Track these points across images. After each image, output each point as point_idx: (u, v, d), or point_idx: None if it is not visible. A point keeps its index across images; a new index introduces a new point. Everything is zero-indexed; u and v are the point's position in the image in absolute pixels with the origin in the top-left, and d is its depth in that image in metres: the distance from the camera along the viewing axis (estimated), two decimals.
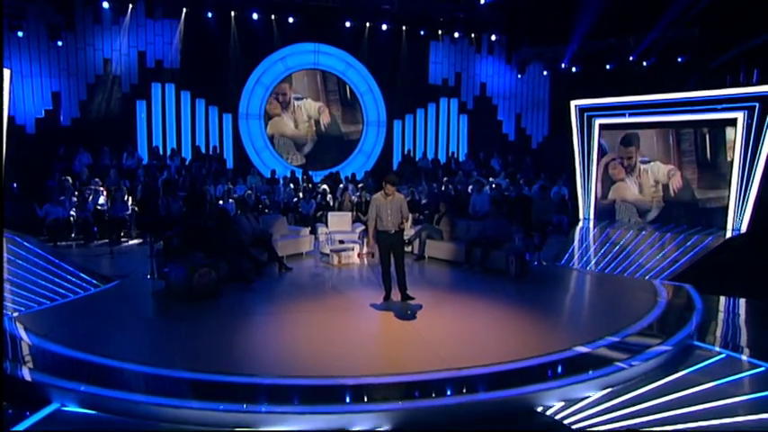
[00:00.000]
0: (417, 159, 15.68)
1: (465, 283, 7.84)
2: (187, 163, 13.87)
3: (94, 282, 7.51)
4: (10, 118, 11.97)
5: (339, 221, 10.36)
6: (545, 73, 16.20)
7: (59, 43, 13.48)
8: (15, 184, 12.07)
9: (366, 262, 9.02)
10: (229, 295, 6.86)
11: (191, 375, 4.43)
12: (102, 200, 11.20)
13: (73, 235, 10.85)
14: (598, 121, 13.78)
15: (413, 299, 6.56)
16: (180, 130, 14.51)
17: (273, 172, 13.83)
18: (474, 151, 16.22)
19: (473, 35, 16.04)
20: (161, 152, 14.07)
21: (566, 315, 6.48)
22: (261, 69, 14.79)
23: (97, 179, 11.86)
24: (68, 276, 7.50)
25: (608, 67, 14.40)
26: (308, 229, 9.98)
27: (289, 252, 9.14)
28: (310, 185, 13.01)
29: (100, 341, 5.22)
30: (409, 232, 9.85)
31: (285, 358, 4.86)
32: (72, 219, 10.69)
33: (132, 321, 5.95)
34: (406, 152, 15.81)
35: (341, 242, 9.35)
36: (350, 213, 10.72)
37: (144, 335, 5.60)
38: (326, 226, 10.27)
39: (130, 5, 13.85)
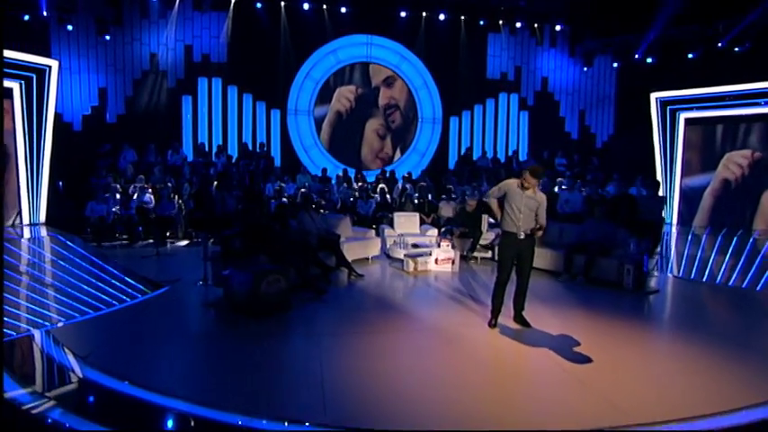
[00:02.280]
0: (475, 158, 14.27)
1: (572, 297, 6.42)
2: (233, 160, 12.86)
3: (141, 287, 6.42)
4: (57, 115, 11.31)
5: (406, 223, 9.08)
6: (615, 65, 14.57)
7: (107, 38, 12.76)
8: (61, 183, 11.32)
9: (451, 269, 7.65)
10: (299, 308, 5.64)
11: (261, 425, 3.18)
12: (147, 197, 10.26)
13: (117, 234, 9.92)
14: (684, 115, 12.11)
15: (528, 326, 5.17)
16: (226, 126, 13.57)
17: (325, 170, 12.68)
18: (536, 150, 14.71)
19: (536, 25, 14.55)
20: (206, 149, 13.10)
21: (745, 347, 4.97)
22: (311, 63, 13.74)
23: (142, 176, 11.02)
24: (114, 281, 6.44)
25: (690, 56, 12.72)
26: (372, 231, 8.71)
27: (354, 256, 7.90)
28: (368, 184, 11.77)
29: (147, 366, 4.06)
30: (488, 236, 8.48)
31: (390, 403, 3.56)
32: (116, 217, 9.73)
33: (185, 341, 4.79)
34: (464, 151, 14.42)
35: (414, 246, 8.04)
36: (417, 214, 9.42)
37: (200, 359, 4.41)
38: (392, 227, 8.99)
39: None
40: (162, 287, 6.35)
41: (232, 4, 13.19)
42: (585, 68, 14.89)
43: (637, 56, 13.54)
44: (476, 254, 8.53)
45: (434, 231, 9.04)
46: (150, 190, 10.57)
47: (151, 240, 9.76)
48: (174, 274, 7.07)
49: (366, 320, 5.43)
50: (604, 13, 13.49)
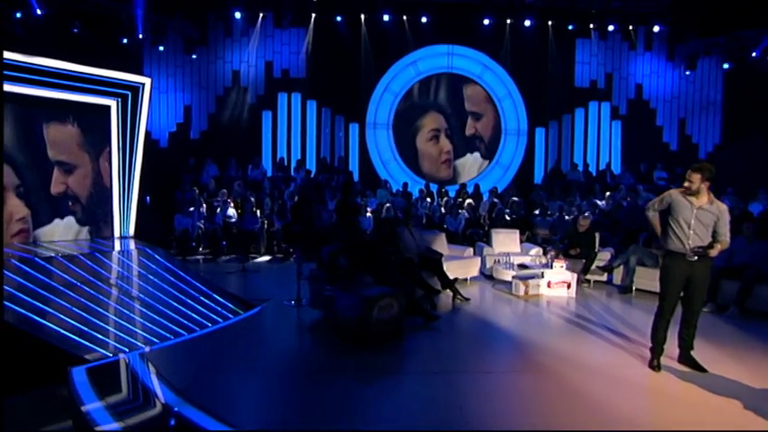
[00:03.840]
0: (565, 172, 13.08)
1: (740, 333, 5.21)
2: (312, 175, 12.48)
3: (231, 306, 5.90)
4: (146, 132, 11.51)
5: (506, 240, 8.14)
6: (726, 66, 12.96)
7: (194, 56, 12.91)
8: (148, 198, 11.41)
9: (567, 293, 6.63)
10: (410, 337, 4.84)
11: None
12: (230, 212, 10.01)
13: (200, 248, 9.69)
14: None
15: (702, 369, 4.09)
16: (305, 140, 13.26)
17: (406, 185, 12.00)
18: (631, 162, 13.30)
19: (630, 28, 13.27)
20: (285, 163, 12.84)
21: None
22: (390, 75, 13.22)
23: (224, 191, 10.83)
24: (203, 299, 5.94)
25: None
26: (470, 249, 7.84)
27: (452, 277, 7.01)
28: (452, 199, 10.93)
29: (249, 407, 3.37)
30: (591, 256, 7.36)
31: None
32: (200, 231, 9.50)
33: (285, 371, 4.11)
34: (554, 164, 13.26)
35: (522, 267, 7.08)
36: (516, 231, 8.46)
37: (305, 396, 3.68)
38: (490, 245, 8.08)
39: (261, 15, 12.92)
40: (254, 307, 5.79)
41: (312, 19, 12.98)
42: (688, 72, 13.37)
43: (755, 54, 11.91)
44: (588, 276, 7.43)
45: (538, 250, 8.03)
46: (232, 204, 10.37)
47: (233, 255, 9.46)
48: (263, 293, 6.53)
49: (494, 356, 4.55)
50: (713, 10, 12.01)
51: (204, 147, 12.76)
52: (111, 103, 9.97)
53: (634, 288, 6.88)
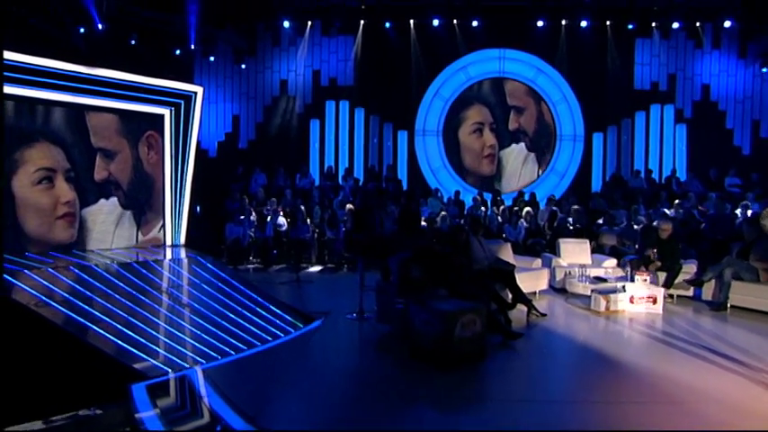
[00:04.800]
0: (627, 179, 12.23)
1: None
2: (360, 184, 12.15)
3: (289, 319, 5.52)
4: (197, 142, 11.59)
5: (575, 251, 7.50)
6: None
7: (243, 66, 12.91)
8: (198, 207, 11.39)
9: (655, 309, 5.93)
10: (492, 357, 4.31)
11: None
12: (280, 220, 9.80)
13: (251, 257, 9.48)
14: None
15: None
16: (353, 148, 12.99)
17: (458, 193, 11.49)
18: (698, 168, 12.31)
19: (698, 24, 12.37)
20: (333, 172, 12.60)
21: None
22: (440, 81, 12.81)
23: (274, 199, 10.65)
24: (260, 310, 5.59)
25: None
26: (538, 260, 7.23)
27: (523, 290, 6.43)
28: (515, 208, 10.33)
29: None
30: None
31: None
32: (251, 240, 9.30)
33: (359, 398, 3.64)
34: (614, 170, 12.44)
35: (599, 279, 6.42)
36: (587, 241, 7.79)
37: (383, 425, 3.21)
38: (558, 256, 7.45)
39: (309, 23, 12.82)
40: (313, 320, 5.39)
41: (361, 26, 12.76)
42: (765, 69, 12.31)
43: None
44: (672, 291, 6.67)
45: (612, 262, 7.34)
46: (282, 213, 10.17)
47: (284, 265, 9.20)
48: (321, 304, 6.14)
49: (593, 382, 3.96)
50: None
51: (252, 156, 12.72)
52: (165, 111, 9.99)
53: (729, 304, 6.09)
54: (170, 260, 7.99)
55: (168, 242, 9.87)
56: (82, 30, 10.59)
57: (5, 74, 6.13)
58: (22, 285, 4.67)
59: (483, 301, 4.90)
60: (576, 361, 4.54)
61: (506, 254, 6.86)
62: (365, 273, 5.60)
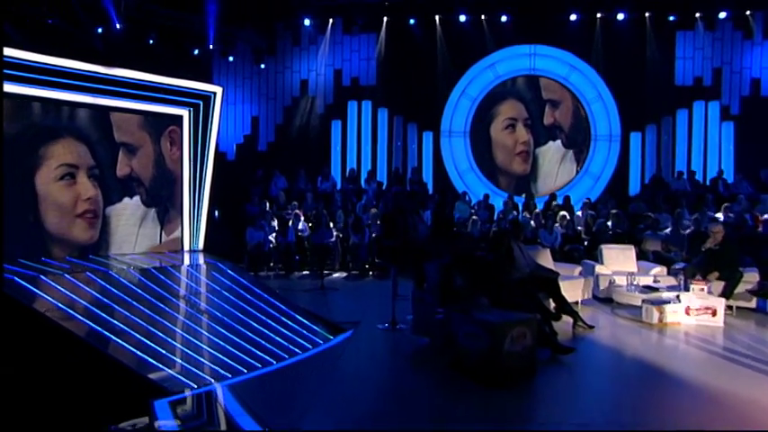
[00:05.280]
0: (669, 181, 11.77)
1: None
2: (384, 187, 11.96)
3: (316, 329, 5.32)
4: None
5: (619, 257, 7.17)
6: None
7: (262, 66, 12.88)
8: (217, 212, 11.33)
9: (715, 321, 5.56)
10: (542, 374, 4.03)
11: None
12: (302, 225, 9.65)
13: (271, 263, 9.36)
14: None
15: None
16: (376, 150, 12.81)
17: (487, 196, 11.20)
18: (748, 169, 11.77)
19: (748, 12, 11.85)
20: (355, 174, 12.43)
21: None
22: (467, 79, 12.55)
23: (295, 203, 10.53)
24: (285, 320, 5.41)
25: None
26: (579, 267, 6.91)
27: None
28: (549, 212, 10.00)
29: None
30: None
31: None
32: (273, 245, 9.17)
33: (399, 418, 3.39)
34: (654, 172, 11.99)
35: (649, 289, 6.07)
36: (632, 247, 7.43)
37: None
38: (601, 263, 7.11)
39: (330, 21, 12.72)
40: (343, 331, 5.18)
41: (384, 23, 12.61)
42: None
43: None
44: (731, 302, 6.27)
45: (660, 269, 6.96)
46: (303, 217, 10.03)
47: (307, 271, 9.05)
48: (349, 314, 5.94)
49: (656, 402, 3.64)
50: None
51: (272, 158, 12.62)
52: (184, 112, 9.95)
53: None
54: (189, 266, 7.88)
55: (186, 247, 9.81)
56: (100, 30, 10.65)
57: (22, 74, 6.19)
58: (38, 291, 4.59)
59: (528, 311, 4.63)
60: (632, 379, 4.22)
61: (545, 260, 6.56)
62: (396, 281, 5.38)
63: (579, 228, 9.49)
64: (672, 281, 6.61)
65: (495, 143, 12.51)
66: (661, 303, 5.63)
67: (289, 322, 5.26)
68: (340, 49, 12.87)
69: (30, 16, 9.31)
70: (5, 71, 5.86)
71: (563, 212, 9.77)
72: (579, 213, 10.32)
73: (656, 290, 6.08)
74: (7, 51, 5.91)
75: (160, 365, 4.00)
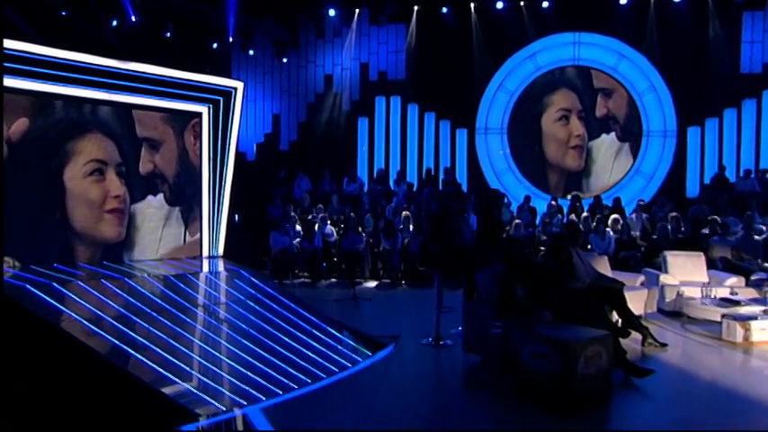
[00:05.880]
0: (734, 181, 11.19)
1: None
2: (415, 189, 11.70)
3: (352, 343, 5.07)
4: None
5: (687, 266, 6.74)
6: None
7: (284, 60, 12.79)
8: (237, 216, 11.23)
9: None
10: (618, 399, 3.68)
11: None
12: (328, 229, 9.46)
13: (296, 270, 9.19)
14: None
15: None
16: (405, 149, 12.59)
17: (528, 198, 10.83)
18: None
19: None
20: (383, 174, 12.21)
21: None
22: (504, 71, 12.21)
23: (321, 206, 10.36)
24: (319, 334, 5.15)
25: None
26: (641, 277, 6.50)
27: None
28: (597, 215, 9.57)
29: None
30: None
31: None
32: (298, 251, 9.00)
33: None
34: (717, 171, 11.42)
35: (729, 302, 5.64)
36: (701, 254, 6.99)
37: None
38: (665, 272, 6.69)
39: (356, 11, 12.57)
40: (384, 347, 4.90)
41: (415, 13, 12.39)
42: None
43: None
44: None
45: (737, 280, 6.50)
46: (329, 221, 9.84)
47: (335, 279, 8.83)
48: (387, 327, 5.64)
49: None
50: None
51: (295, 159, 12.52)
52: (203, 109, 9.84)
53: None
54: (209, 273, 7.73)
55: (205, 253, 9.68)
56: (114, 22, 10.68)
57: (34, 69, 6.16)
58: (52, 300, 4.46)
59: (594, 326, 4.29)
60: (722, 408, 3.83)
61: (604, 269, 6.16)
62: (441, 290, 5.07)
63: (634, 233, 9.03)
64: (753, 293, 6.14)
65: (547, 136, 12.09)
66: (746, 319, 5.19)
67: (322, 336, 5.00)
68: (367, 41, 12.74)
69: (42, 8, 9.34)
70: (20, 67, 5.88)
71: (615, 215, 9.33)
72: (633, 216, 9.85)
73: (737, 303, 5.63)
74: (19, 46, 5.89)
75: (186, 385, 3.78)
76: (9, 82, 5.64)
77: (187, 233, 7.39)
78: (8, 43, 5.56)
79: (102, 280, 5.28)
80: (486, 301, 4.39)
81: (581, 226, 9.23)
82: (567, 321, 4.07)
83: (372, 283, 8.63)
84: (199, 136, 7.67)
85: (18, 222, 5.29)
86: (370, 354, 4.73)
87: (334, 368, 4.31)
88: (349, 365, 4.38)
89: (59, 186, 5.79)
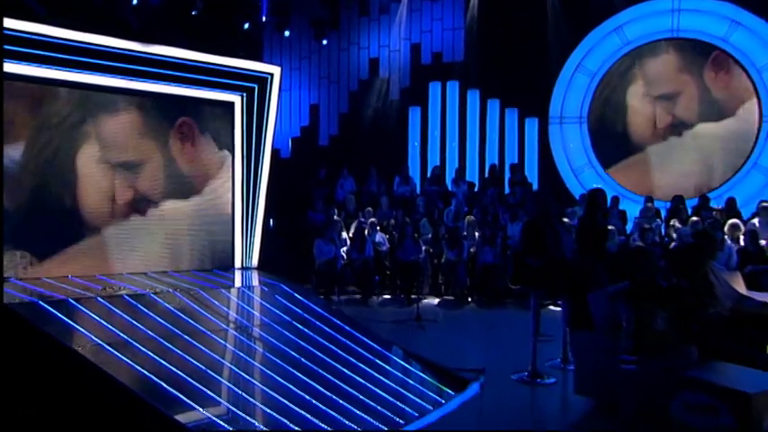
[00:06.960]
0: None
1: None
2: (477, 189, 11.28)
3: (427, 378, 4.60)
4: None
5: None
6: None
7: (324, 42, 12.61)
8: (272, 221, 11.04)
9: None
10: None
11: None
12: (379, 237, 9.13)
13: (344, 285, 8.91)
14: None
15: None
16: (464, 143, 12.24)
17: (616, 199, 10.12)
18: None
19: None
20: (439, 173, 11.81)
21: None
22: (584, 48, 11.67)
23: (370, 209, 10.05)
24: (385, 365, 4.68)
25: None
26: None
27: None
28: (707, 220, 8.81)
29: None
30: None
31: None
32: (346, 262, 8.70)
33: None
34: None
35: None
36: None
37: None
38: None
39: None
40: (466, 383, 4.37)
41: None
42: None
43: None
44: None
45: None
46: (378, 227, 9.50)
47: (389, 295, 8.46)
48: (464, 358, 5.13)
49: None
50: None
51: (336, 156, 12.37)
52: (236, 98, 9.64)
53: None
54: (244, 287, 7.46)
55: (238, 264, 9.44)
56: (135, 1, 10.67)
57: (41, 52, 6.05)
58: (66, 318, 4.21)
59: (746, 364, 3.64)
60: None
61: (738, 286, 5.47)
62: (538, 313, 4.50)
63: (762, 241, 8.21)
64: None
65: (632, 113, 11.51)
66: None
67: (387, 367, 4.50)
68: (419, 18, 12.58)
69: None
70: (27, 50, 5.78)
71: (733, 220, 8.50)
72: (756, 221, 8.99)
73: None
74: (29, 27, 5.79)
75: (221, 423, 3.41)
76: (17, 68, 5.55)
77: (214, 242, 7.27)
78: (17, 24, 5.46)
79: (124, 294, 5.03)
80: (601, 329, 3.77)
81: (714, 234, 8.45)
82: (718, 358, 3.45)
83: (434, 300, 8.22)
84: (189, 137, 7.35)
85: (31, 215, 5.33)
86: (449, 391, 4.21)
87: (406, 408, 3.81)
88: (428, 407, 3.86)
89: (72, 174, 5.77)
